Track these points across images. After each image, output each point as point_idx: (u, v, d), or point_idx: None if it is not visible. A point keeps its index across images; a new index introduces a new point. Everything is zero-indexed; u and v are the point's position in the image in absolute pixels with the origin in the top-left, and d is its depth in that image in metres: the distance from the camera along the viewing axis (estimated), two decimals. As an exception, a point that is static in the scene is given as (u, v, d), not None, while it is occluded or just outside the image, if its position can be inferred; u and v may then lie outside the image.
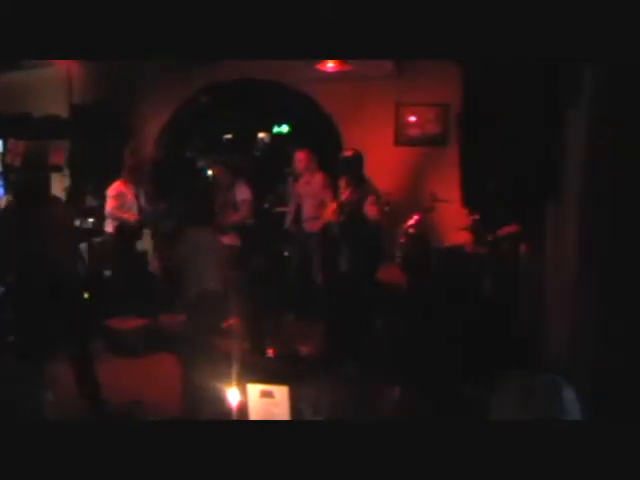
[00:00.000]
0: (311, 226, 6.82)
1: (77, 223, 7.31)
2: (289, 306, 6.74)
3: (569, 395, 1.74)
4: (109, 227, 6.78)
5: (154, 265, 7.29)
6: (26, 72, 7.18)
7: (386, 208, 6.17)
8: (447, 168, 5.89)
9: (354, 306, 5.69)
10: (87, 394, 4.42)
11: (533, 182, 3.98)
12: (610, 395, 2.67)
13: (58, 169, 7.25)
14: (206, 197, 6.81)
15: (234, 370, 3.15)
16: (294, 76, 7.27)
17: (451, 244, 6.50)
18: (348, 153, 6.02)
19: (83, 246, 7.04)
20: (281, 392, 2.58)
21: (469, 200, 4.72)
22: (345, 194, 5.87)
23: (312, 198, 6.86)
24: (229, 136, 10.94)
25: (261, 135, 11.10)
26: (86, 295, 6.37)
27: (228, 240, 6.49)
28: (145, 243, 7.39)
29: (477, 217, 5.77)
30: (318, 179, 6.88)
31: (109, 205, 6.72)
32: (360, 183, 5.83)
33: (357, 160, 5.90)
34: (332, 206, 6.07)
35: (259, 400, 2.60)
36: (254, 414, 2.60)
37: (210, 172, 8.93)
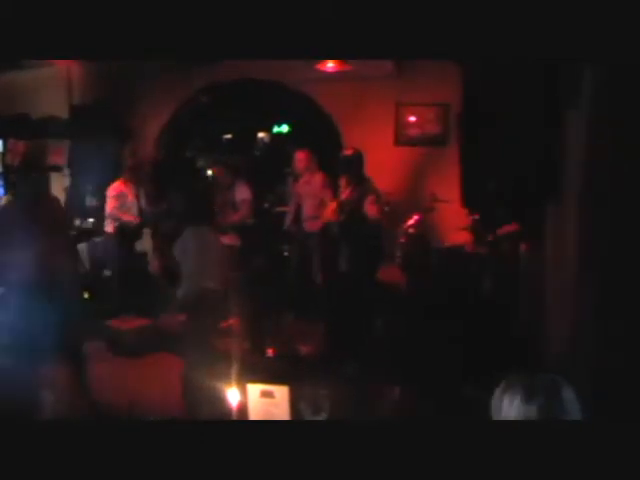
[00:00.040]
0: (311, 226, 6.82)
1: (77, 223, 7.33)
2: (289, 306, 6.73)
3: (569, 395, 1.74)
4: (109, 227, 6.78)
5: (154, 265, 7.29)
6: (26, 72, 7.18)
7: (386, 208, 6.17)
8: (447, 168, 5.89)
9: (354, 306, 5.69)
10: (79, 395, 4.42)
11: (533, 182, 3.98)
12: (610, 395, 2.68)
13: (58, 169, 7.26)
14: (206, 197, 6.81)
15: (234, 370, 3.15)
16: (294, 76, 7.26)
17: (451, 244, 6.50)
18: (348, 152, 6.01)
19: (83, 246, 7.05)
20: (281, 392, 2.58)
21: (469, 200, 4.71)
22: (345, 193, 5.87)
23: (312, 198, 6.85)
24: (229, 136, 10.93)
25: (261, 135, 11.10)
26: (86, 295, 6.38)
27: (228, 240, 6.48)
28: (145, 243, 7.39)
29: (477, 217, 5.77)
30: (318, 179, 6.88)
31: (109, 205, 6.72)
32: (360, 182, 5.83)
33: (357, 159, 5.90)
34: (332, 206, 6.07)
35: (259, 400, 2.60)
36: (254, 414, 2.60)
37: (210, 172, 8.93)
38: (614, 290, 2.90)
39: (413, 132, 7.47)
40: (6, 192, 6.92)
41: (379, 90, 7.37)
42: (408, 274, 6.33)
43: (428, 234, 6.59)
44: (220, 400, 2.65)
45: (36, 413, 3.76)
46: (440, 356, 4.73)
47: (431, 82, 7.00)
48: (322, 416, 2.69)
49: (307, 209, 6.92)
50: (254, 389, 2.61)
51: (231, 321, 5.37)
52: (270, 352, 5.39)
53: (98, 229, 7.19)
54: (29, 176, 4.77)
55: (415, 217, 6.39)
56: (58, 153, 7.46)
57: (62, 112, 7.52)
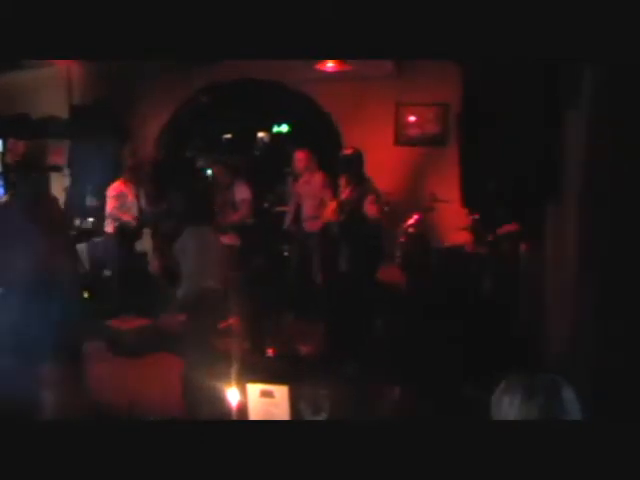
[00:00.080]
0: (311, 226, 6.82)
1: (77, 223, 7.33)
2: (289, 306, 6.73)
3: (569, 395, 1.74)
4: (109, 227, 6.78)
5: (154, 265, 7.29)
6: (26, 72, 7.18)
7: (386, 208, 6.17)
8: (447, 168, 5.89)
9: (354, 306, 5.69)
10: (79, 395, 4.42)
11: (533, 182, 3.98)
12: (610, 395, 2.68)
13: (58, 169, 7.26)
14: (206, 197, 6.81)
15: (234, 370, 3.15)
16: (294, 76, 7.27)
17: (451, 244, 6.50)
18: (348, 151, 6.01)
19: (83, 246, 7.05)
20: (281, 392, 2.58)
21: (469, 200, 4.71)
22: (345, 193, 5.87)
23: (312, 198, 6.85)
24: (229, 136, 10.94)
25: (261, 135, 11.10)
26: (86, 295, 6.38)
27: (228, 240, 6.48)
28: (145, 243, 7.39)
29: (477, 217, 5.77)
30: (318, 179, 6.88)
31: (109, 205, 6.72)
32: (360, 182, 5.83)
33: (357, 159, 5.90)
34: (332, 206, 6.07)
35: (259, 400, 2.60)
36: (254, 414, 2.60)
37: (210, 172, 8.93)
38: (614, 290, 2.90)
39: (413, 132, 7.47)
40: (6, 192, 6.92)
41: (379, 90, 7.37)
42: (408, 274, 6.33)
43: (428, 234, 6.59)
44: (220, 400, 2.65)
45: (36, 413, 3.76)
46: (440, 356, 4.73)
47: (431, 82, 7.00)
48: (322, 416, 2.69)
49: (307, 209, 6.92)
50: (254, 389, 2.61)
51: (231, 321, 5.37)
52: (270, 352, 5.39)
53: (98, 229, 7.19)
54: (29, 176, 4.77)
55: (415, 217, 6.39)
56: (58, 153, 7.46)
57: (62, 112, 7.52)
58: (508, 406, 1.75)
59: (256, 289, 6.06)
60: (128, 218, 6.71)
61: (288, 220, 7.25)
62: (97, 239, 7.17)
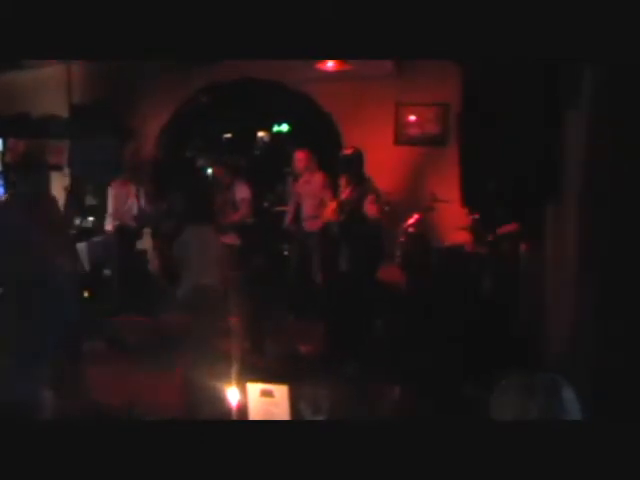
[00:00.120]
0: (310, 225, 6.82)
1: (77, 222, 7.34)
2: (289, 306, 6.74)
3: (569, 395, 1.74)
4: (109, 226, 6.79)
5: (154, 264, 7.29)
6: (26, 72, 7.19)
7: (386, 207, 6.16)
8: (447, 168, 5.89)
9: (354, 306, 5.69)
10: (80, 395, 4.42)
11: (533, 182, 3.98)
12: (610, 395, 2.68)
13: (58, 168, 7.26)
14: (206, 196, 6.81)
15: (234, 370, 3.16)
16: (294, 76, 7.27)
17: (451, 244, 6.50)
18: (348, 151, 6.01)
19: (83, 245, 7.06)
20: (281, 391, 2.58)
21: (469, 200, 4.72)
22: (345, 193, 5.87)
23: (312, 198, 6.86)
24: (229, 135, 10.94)
25: (261, 134, 11.10)
26: (86, 295, 6.38)
27: (227, 239, 6.49)
28: (145, 243, 7.39)
29: (477, 217, 5.77)
30: (318, 179, 6.88)
31: (109, 205, 6.72)
32: (360, 182, 5.83)
33: (357, 158, 5.90)
34: (332, 205, 6.07)
35: (259, 399, 2.60)
36: (254, 413, 2.60)
37: (210, 171, 8.93)
38: (614, 290, 2.90)
39: (413, 132, 7.47)
40: (6, 191, 6.93)
41: (379, 90, 7.37)
42: (408, 274, 6.33)
43: (428, 234, 6.59)
44: (220, 400, 2.65)
45: (36, 413, 3.76)
46: (440, 356, 4.73)
47: (431, 82, 7.00)
48: (322, 416, 2.69)
49: (307, 209, 6.92)
50: (254, 388, 2.61)
51: (231, 321, 5.37)
52: (270, 352, 5.40)
53: (98, 228, 7.19)
54: (29, 176, 4.76)
55: (415, 217, 6.39)
56: (58, 152, 7.46)
57: (62, 112, 7.52)
58: (508, 406, 1.75)
59: (256, 289, 6.06)
60: (128, 218, 6.71)
61: (288, 220, 7.25)
62: (97, 238, 7.18)
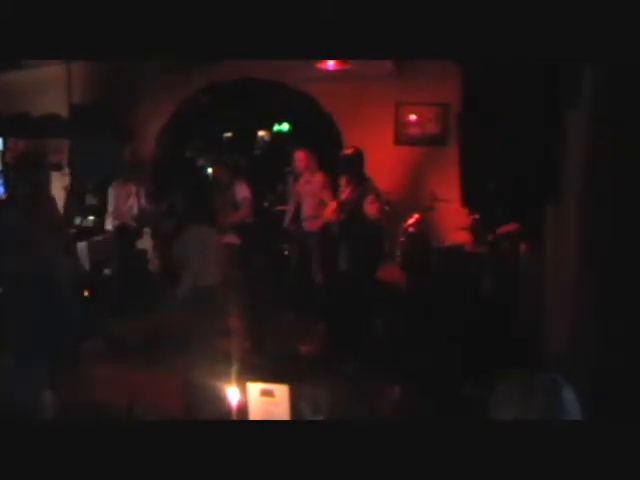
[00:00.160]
0: (310, 225, 6.82)
1: (77, 222, 7.34)
2: (289, 306, 6.74)
3: (569, 394, 1.74)
4: (109, 226, 6.79)
5: (154, 264, 7.30)
6: (26, 72, 7.19)
7: (386, 207, 6.17)
8: (447, 168, 5.89)
9: (354, 305, 5.69)
10: (79, 395, 4.42)
11: (533, 182, 3.98)
12: (610, 395, 2.67)
13: (58, 168, 7.26)
14: (206, 196, 6.81)
15: (234, 369, 3.16)
16: (294, 76, 7.27)
17: (451, 243, 6.51)
18: (348, 151, 6.01)
19: (83, 245, 7.06)
20: (281, 391, 2.58)
21: (469, 200, 4.72)
22: (345, 193, 5.87)
23: (312, 197, 6.86)
24: (229, 135, 10.94)
25: (261, 134, 11.10)
26: (86, 294, 6.38)
27: (228, 239, 6.49)
28: (145, 242, 7.39)
29: (477, 217, 5.78)
30: (318, 178, 6.88)
31: (109, 204, 6.73)
32: (360, 182, 5.83)
33: (357, 158, 5.90)
34: (332, 205, 6.07)
35: (259, 399, 2.60)
36: (254, 413, 2.60)
37: (210, 171, 8.94)
38: (614, 290, 2.89)
39: (413, 132, 7.47)
40: (6, 191, 6.93)
41: (379, 90, 7.37)
42: (408, 273, 6.34)
43: (428, 233, 6.60)
44: (220, 399, 2.65)
45: (36, 413, 3.76)
46: (440, 355, 4.73)
47: (431, 82, 7.01)
48: (322, 415, 2.69)
49: (307, 208, 6.92)
50: (254, 388, 2.61)
51: (231, 321, 5.37)
52: (270, 352, 5.39)
53: (98, 228, 7.20)
54: (28, 175, 4.77)
55: (415, 216, 6.39)
56: (58, 152, 7.46)
57: (62, 112, 7.52)
58: (508, 406, 1.75)
59: (256, 289, 6.06)
60: (128, 217, 6.71)
61: (288, 219, 7.25)
62: (97, 238, 7.18)
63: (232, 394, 2.55)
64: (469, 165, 4.59)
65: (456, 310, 5.31)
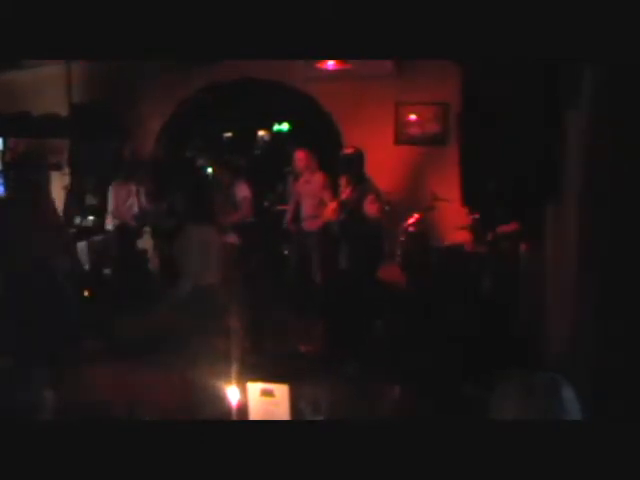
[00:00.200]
0: (310, 225, 6.82)
1: (77, 221, 7.34)
2: (289, 305, 6.74)
3: (569, 394, 1.74)
4: (109, 226, 6.79)
5: (154, 264, 7.30)
6: (26, 72, 7.19)
7: (386, 207, 6.17)
8: (447, 167, 5.89)
9: (354, 305, 5.70)
10: (80, 395, 4.42)
11: (533, 182, 3.98)
12: (610, 395, 2.68)
13: (58, 167, 7.26)
14: (206, 196, 6.82)
15: (234, 369, 3.15)
16: (294, 76, 7.27)
17: (451, 243, 6.51)
18: (348, 151, 6.01)
19: (83, 245, 7.06)
20: (281, 391, 2.58)
21: (469, 199, 4.71)
22: (345, 193, 5.87)
23: (312, 197, 6.85)
24: (229, 135, 10.94)
25: (261, 133, 11.10)
26: (86, 294, 6.38)
27: (228, 239, 6.49)
28: (145, 242, 7.39)
29: (477, 216, 5.77)
30: (318, 178, 6.88)
31: (110, 204, 6.73)
32: (360, 181, 5.83)
33: (357, 158, 5.90)
34: (332, 205, 6.07)
35: (259, 399, 2.60)
36: (254, 413, 2.60)
37: (210, 171, 8.94)
38: (614, 290, 2.89)
39: (413, 131, 7.47)
40: (6, 191, 6.93)
41: (379, 89, 7.37)
42: (408, 273, 6.34)
43: (428, 233, 6.60)
44: (220, 399, 2.65)
45: (36, 413, 3.76)
46: (440, 355, 4.73)
47: (431, 82, 7.01)
48: (322, 415, 2.69)
49: (306, 208, 6.92)
50: (254, 388, 2.61)
51: (231, 320, 5.37)
52: (270, 352, 5.39)
53: (98, 228, 7.20)
54: (28, 175, 4.77)
55: (415, 216, 6.39)
56: (58, 152, 7.47)
57: (62, 111, 7.53)
58: (508, 405, 1.75)
59: (256, 288, 6.06)
60: (128, 217, 6.72)
61: (288, 219, 7.25)
62: (97, 237, 7.18)
63: (232, 394, 2.55)
64: (469, 165, 4.59)
65: (456, 310, 5.31)
